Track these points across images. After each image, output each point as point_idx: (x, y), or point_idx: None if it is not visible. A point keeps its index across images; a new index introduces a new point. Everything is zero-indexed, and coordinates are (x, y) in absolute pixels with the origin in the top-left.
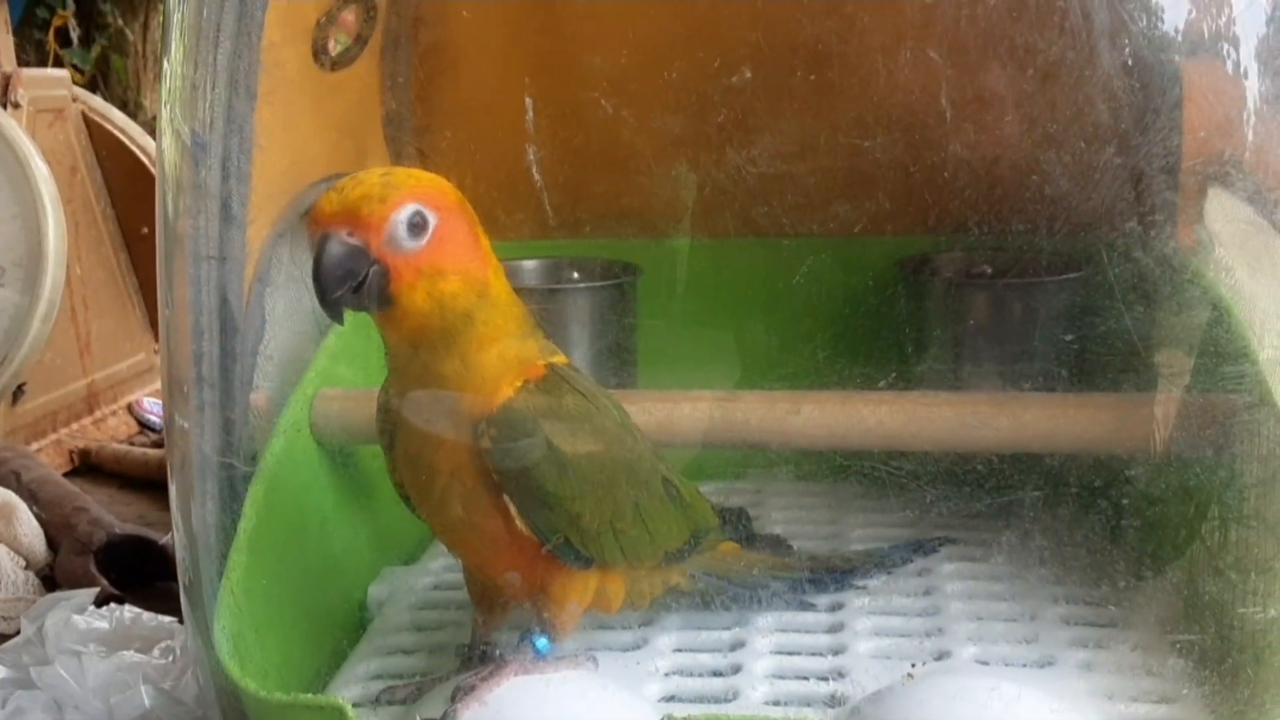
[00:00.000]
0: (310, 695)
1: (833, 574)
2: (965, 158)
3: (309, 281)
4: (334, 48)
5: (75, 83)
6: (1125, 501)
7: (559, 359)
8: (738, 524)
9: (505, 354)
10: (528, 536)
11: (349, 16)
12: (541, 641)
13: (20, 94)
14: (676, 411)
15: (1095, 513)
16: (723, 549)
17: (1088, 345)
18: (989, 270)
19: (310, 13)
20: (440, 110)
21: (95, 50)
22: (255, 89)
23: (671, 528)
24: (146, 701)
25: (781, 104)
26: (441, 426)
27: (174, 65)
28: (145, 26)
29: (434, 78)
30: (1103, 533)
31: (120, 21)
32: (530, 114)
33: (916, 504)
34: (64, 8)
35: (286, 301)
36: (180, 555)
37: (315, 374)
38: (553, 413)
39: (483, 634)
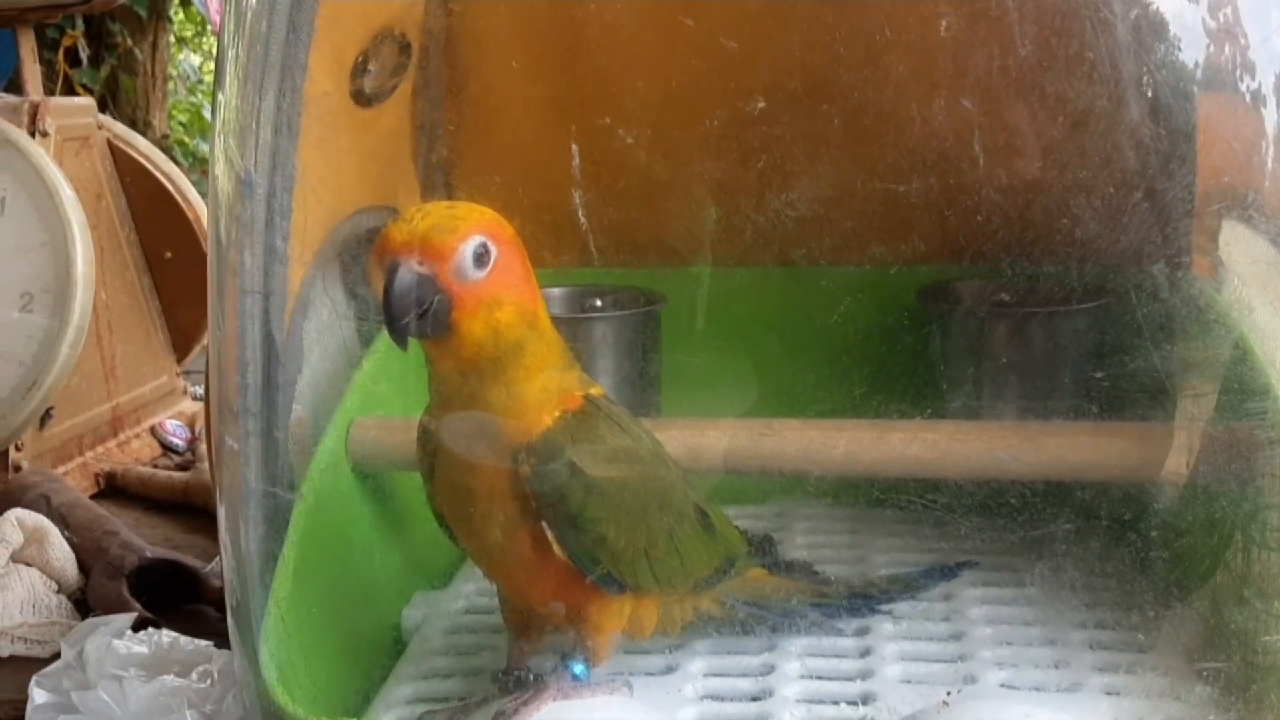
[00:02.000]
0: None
1: (859, 599)
2: (998, 201)
3: (376, 307)
4: (370, 85)
5: None
6: (1152, 531)
7: (596, 390)
8: (764, 550)
9: (548, 384)
10: (565, 563)
11: (386, 54)
12: (579, 667)
13: (48, 122)
14: (709, 439)
15: (1123, 543)
16: (752, 575)
17: (1110, 376)
18: (1006, 298)
19: (349, 51)
20: (470, 144)
21: (104, 70)
22: (298, 128)
23: (703, 555)
24: None
25: (819, 149)
26: (483, 453)
27: (228, 98)
28: (154, 47)
29: (464, 112)
30: (1130, 561)
31: (129, 42)
32: (576, 158)
33: (950, 535)
34: (74, 28)
35: (323, 332)
36: (228, 578)
37: (350, 404)
38: (590, 442)
39: (518, 659)
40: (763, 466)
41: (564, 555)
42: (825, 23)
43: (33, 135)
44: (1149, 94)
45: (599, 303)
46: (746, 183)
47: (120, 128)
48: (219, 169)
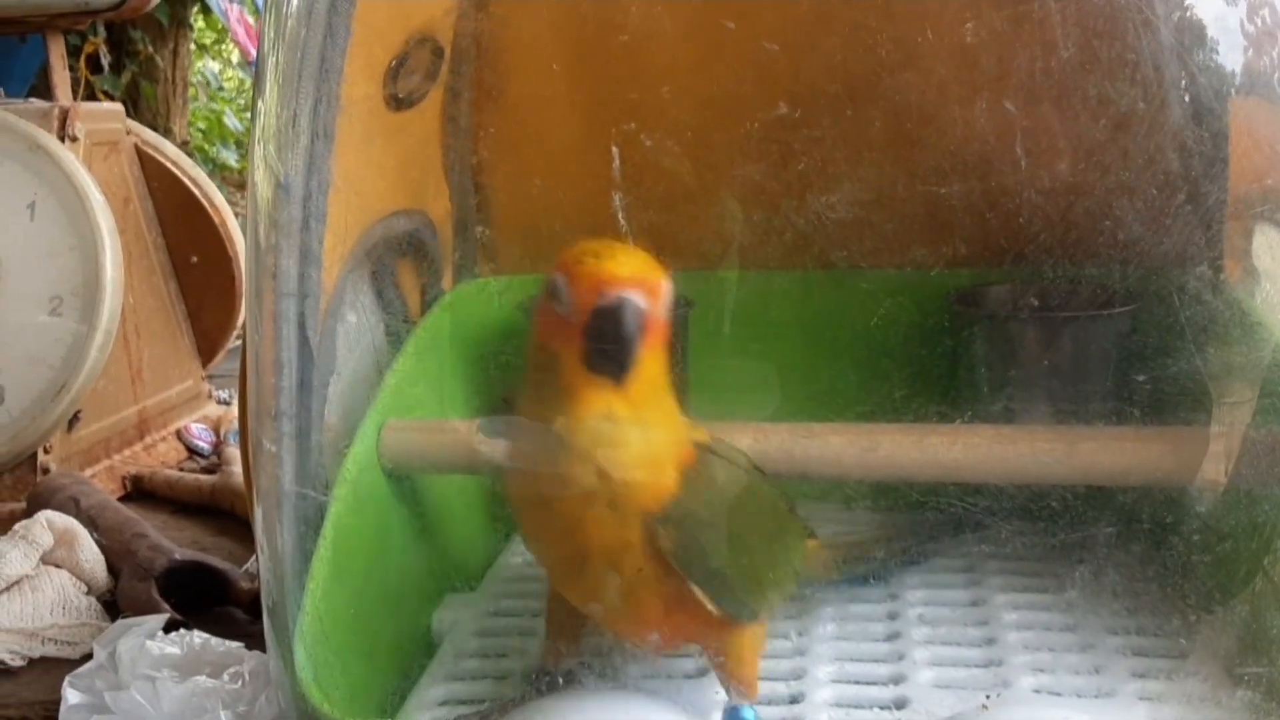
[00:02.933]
0: None
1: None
2: (1040, 203)
3: (593, 333)
4: (404, 89)
5: None
6: (1193, 536)
7: (700, 434)
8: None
9: (674, 430)
10: (705, 609)
11: (419, 58)
12: (749, 713)
13: (77, 127)
14: (741, 442)
15: (1163, 547)
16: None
17: (1148, 381)
18: (1036, 302)
19: (383, 55)
20: (501, 147)
21: (126, 76)
22: (334, 131)
23: (805, 562)
24: None
25: (860, 152)
26: (599, 514)
27: (268, 104)
28: (175, 54)
29: (496, 116)
30: (1169, 565)
31: (150, 49)
32: (616, 160)
33: (990, 539)
34: (95, 34)
35: (355, 335)
36: (265, 579)
37: (383, 405)
38: (722, 498)
39: (554, 660)
40: (802, 470)
41: (716, 609)
42: (867, 26)
43: (62, 140)
44: (1190, 96)
45: None
46: (785, 185)
47: (148, 133)
48: (258, 175)
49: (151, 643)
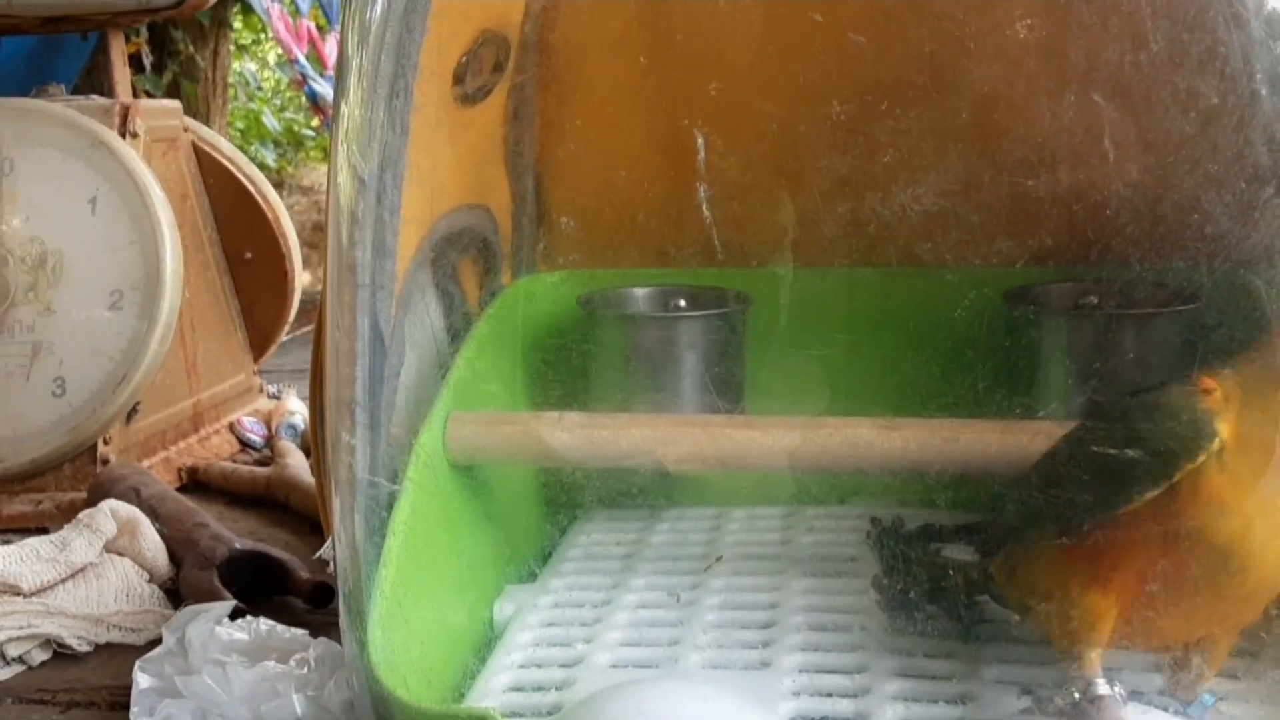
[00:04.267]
0: (462, 706)
1: None
2: (1128, 197)
3: None
4: (473, 84)
5: None
6: None
7: None
8: None
9: None
10: None
11: (486, 54)
12: (1209, 695)
13: (138, 124)
14: (788, 437)
15: None
16: None
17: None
18: (1095, 300)
19: (454, 50)
20: (561, 141)
21: (167, 76)
22: (409, 126)
23: None
24: (298, 709)
25: (946, 144)
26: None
27: (351, 105)
28: (215, 54)
29: (557, 111)
30: None
31: (191, 49)
32: (700, 152)
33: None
34: (137, 35)
35: (420, 328)
36: (341, 566)
37: (449, 397)
38: None
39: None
40: (886, 466)
41: None
42: (954, 17)
43: (123, 136)
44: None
45: (684, 303)
46: (868, 178)
47: (205, 130)
48: (341, 175)
49: (220, 628)
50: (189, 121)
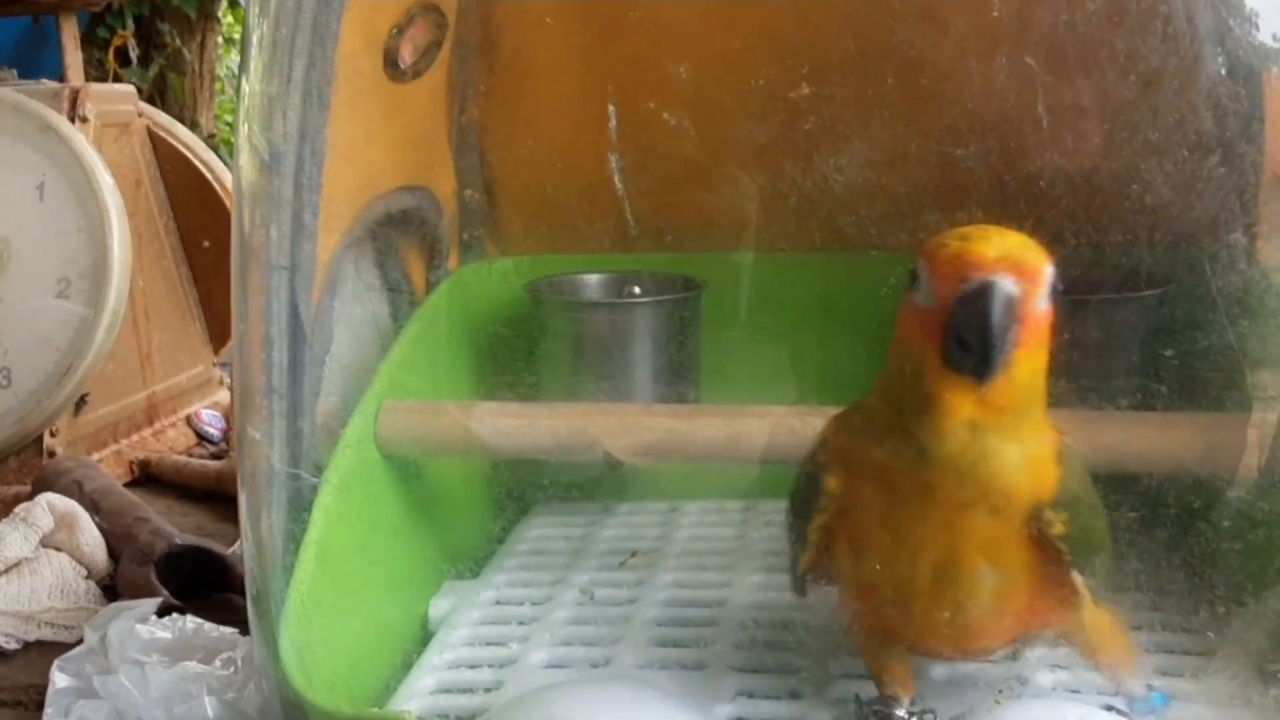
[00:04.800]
0: (376, 709)
1: None
2: (1063, 166)
3: (957, 326)
4: (406, 58)
5: None
6: (1224, 523)
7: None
8: None
9: (1041, 430)
10: (1066, 595)
11: (421, 26)
12: (1158, 695)
13: (88, 108)
14: (743, 427)
15: (1191, 535)
16: None
17: (1173, 363)
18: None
19: (383, 23)
20: (507, 122)
21: (153, 69)
22: (328, 100)
23: None
24: (210, 712)
25: (871, 111)
26: (977, 520)
27: (252, 82)
28: (202, 46)
29: (502, 88)
30: (1198, 555)
31: (178, 42)
32: (612, 122)
33: None
34: (124, 27)
35: (353, 313)
36: (249, 565)
37: (381, 386)
38: (1084, 475)
39: (896, 693)
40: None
41: (1088, 591)
42: None
43: (72, 121)
44: (1225, 51)
45: (637, 289)
46: (794, 150)
47: (161, 116)
48: (244, 158)
49: (142, 627)
50: (144, 107)
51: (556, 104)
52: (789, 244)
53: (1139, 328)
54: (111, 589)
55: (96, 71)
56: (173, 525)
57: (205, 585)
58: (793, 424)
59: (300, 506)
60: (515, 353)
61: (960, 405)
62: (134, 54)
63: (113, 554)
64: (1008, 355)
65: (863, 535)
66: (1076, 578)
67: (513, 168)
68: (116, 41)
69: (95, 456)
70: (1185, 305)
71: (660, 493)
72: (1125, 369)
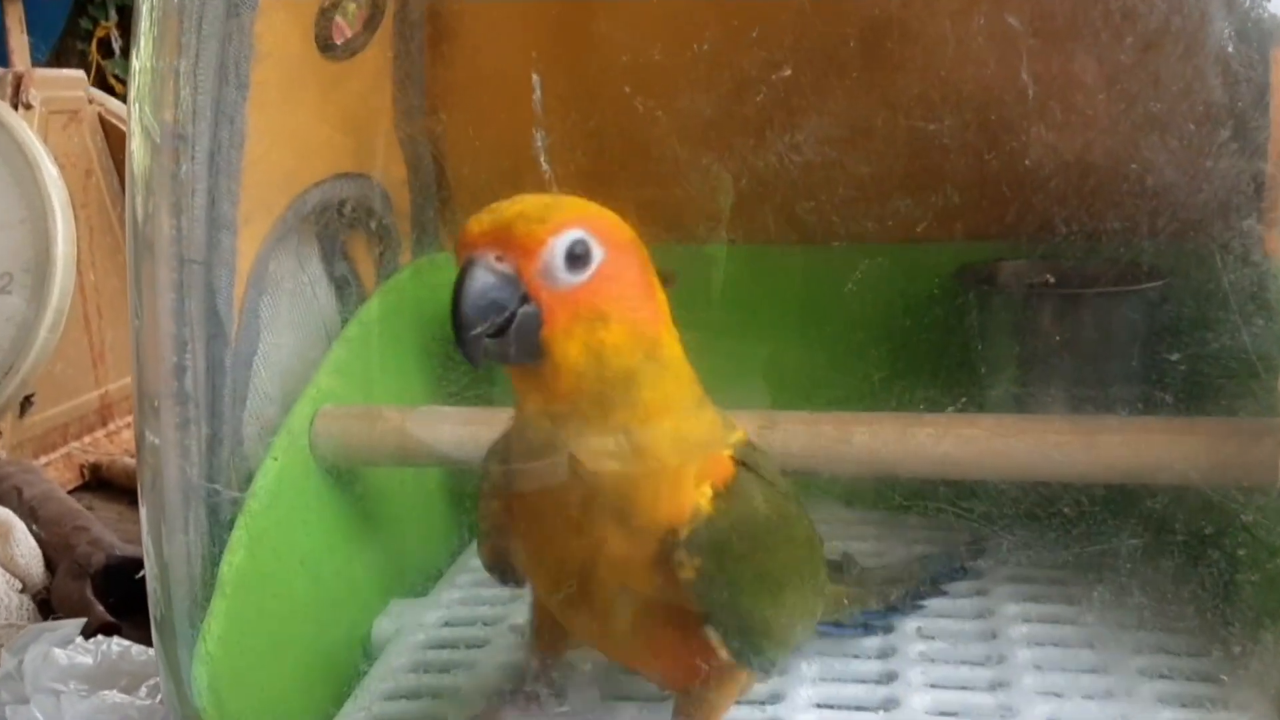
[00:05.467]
0: None
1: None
2: (1050, 142)
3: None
4: (339, 35)
5: (116, 93)
6: (1238, 548)
7: (738, 435)
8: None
9: (681, 433)
10: (711, 650)
11: (355, 1)
12: None
13: (33, 94)
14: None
15: (1202, 561)
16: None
17: (1178, 365)
18: (1051, 279)
19: None
20: (455, 104)
21: None
22: (247, 77)
23: (826, 600)
24: None
25: (830, 80)
26: (602, 528)
27: (143, 59)
28: None
29: (448, 67)
30: (1208, 583)
31: None
32: (538, 97)
33: (990, 553)
34: (107, 19)
35: (285, 311)
36: (151, 585)
37: (317, 389)
38: (755, 526)
39: (538, 673)
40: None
41: (730, 654)
42: None
43: (15, 107)
44: (1234, 10)
45: None
46: (767, 135)
47: (113, 103)
48: (135, 142)
49: (61, 651)
50: (95, 93)
51: (512, 86)
52: (764, 235)
53: (1139, 325)
54: (48, 604)
55: (79, 63)
56: (123, 532)
57: (146, 599)
58: (772, 431)
59: (218, 524)
60: None
61: (527, 394)
62: (117, 45)
63: (50, 565)
64: (507, 345)
65: (521, 528)
66: (712, 636)
67: (466, 153)
68: (99, 33)
69: (43, 460)
70: (1191, 300)
71: None
72: (1123, 371)
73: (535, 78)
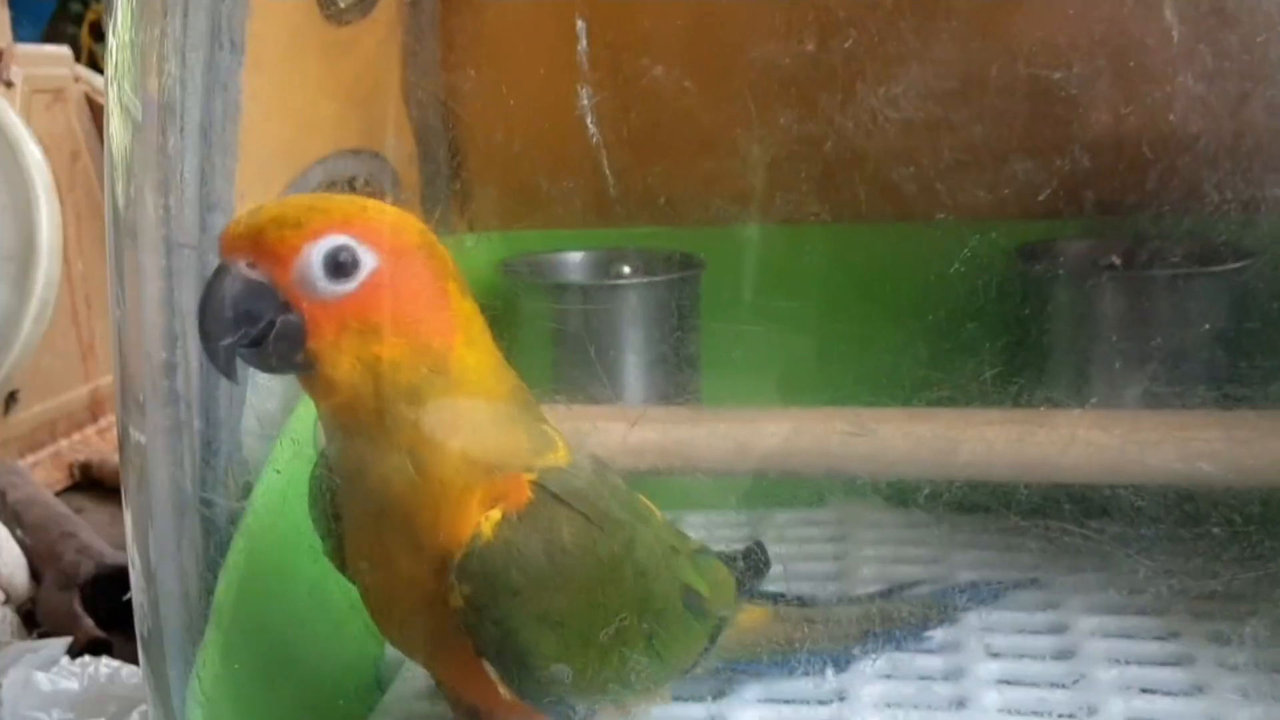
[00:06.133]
0: None
1: (883, 633)
2: (1120, 112)
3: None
4: None
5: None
6: None
7: (556, 456)
8: (752, 566)
9: (471, 453)
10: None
11: None
12: None
13: (14, 72)
14: (754, 433)
15: None
16: (746, 621)
17: (1265, 352)
18: (1117, 261)
19: None
20: (470, 73)
21: None
22: (242, 40)
23: (691, 641)
24: None
25: (882, 50)
26: (395, 544)
27: (121, 33)
28: None
29: (467, 34)
30: None
31: None
32: (583, 47)
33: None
34: (99, 2)
35: None
36: (137, 600)
37: None
38: (546, 560)
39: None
40: (839, 468)
41: (512, 694)
42: None
43: None
44: None
45: (626, 268)
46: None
47: (100, 80)
48: (114, 123)
49: (44, 675)
50: (82, 71)
51: (531, 53)
52: (802, 215)
53: (1218, 308)
54: (32, 616)
55: (70, 47)
56: (114, 539)
57: None
58: (811, 428)
59: (215, 534)
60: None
61: (315, 403)
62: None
63: (35, 574)
64: (266, 354)
65: (348, 531)
66: (490, 670)
67: (481, 128)
68: (91, 16)
69: (30, 459)
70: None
71: (658, 502)
72: (1202, 359)
73: (580, 24)
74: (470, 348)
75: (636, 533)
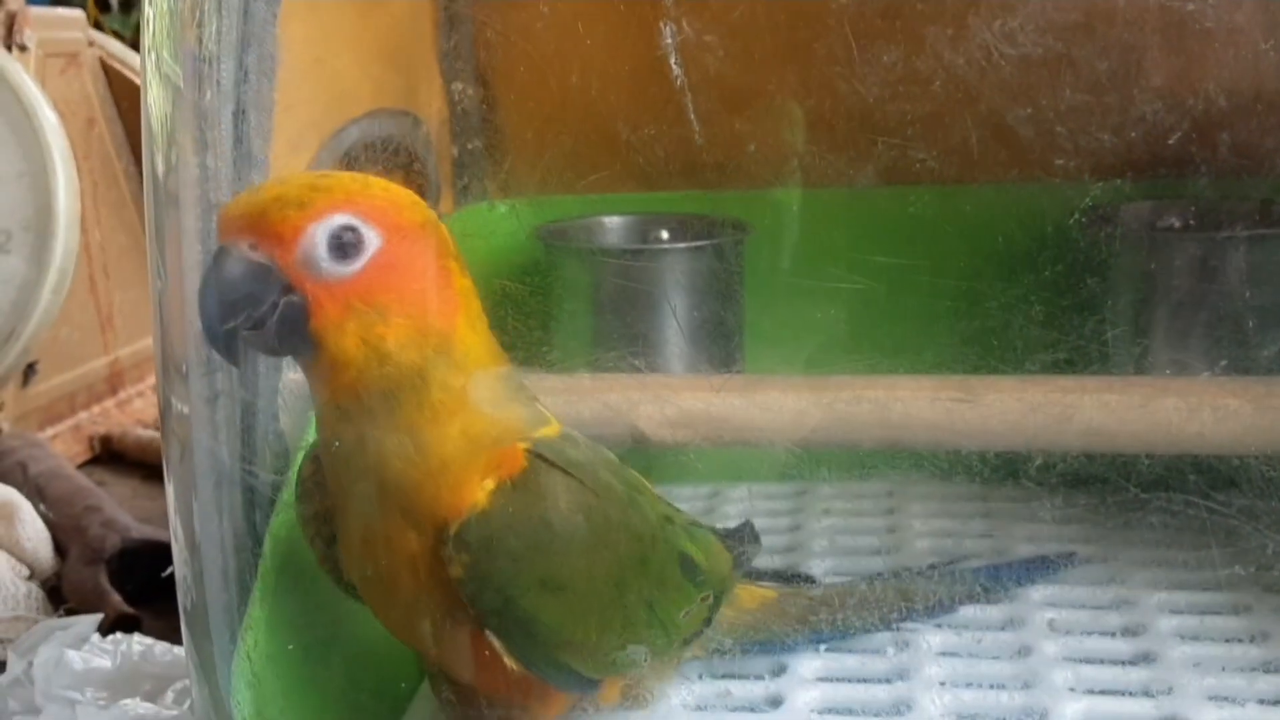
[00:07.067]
0: None
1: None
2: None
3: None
4: None
5: None
6: None
7: (548, 430)
8: (746, 543)
9: (472, 430)
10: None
11: None
12: None
13: (28, 35)
14: (809, 403)
15: None
16: (744, 598)
17: None
18: (1176, 224)
19: None
20: (510, 33)
21: (135, 16)
22: None
23: (689, 608)
24: None
25: (933, 7)
26: (394, 526)
27: (159, 2)
28: None
29: None
30: None
31: None
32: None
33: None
34: None
35: None
36: (180, 573)
37: None
38: (542, 523)
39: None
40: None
41: (516, 664)
42: None
43: (9, 49)
44: None
45: (665, 233)
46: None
47: (115, 45)
48: (152, 94)
49: (76, 654)
50: (96, 35)
51: (569, 12)
52: (848, 177)
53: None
54: (57, 591)
55: None
56: (136, 511)
57: (167, 586)
58: (857, 397)
59: (259, 505)
60: (522, 312)
61: (315, 386)
62: (115, 0)
63: (60, 549)
64: (268, 336)
65: (337, 523)
66: (494, 641)
67: (516, 90)
68: None
69: (49, 432)
70: None
71: (699, 474)
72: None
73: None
74: (470, 327)
75: (632, 499)
